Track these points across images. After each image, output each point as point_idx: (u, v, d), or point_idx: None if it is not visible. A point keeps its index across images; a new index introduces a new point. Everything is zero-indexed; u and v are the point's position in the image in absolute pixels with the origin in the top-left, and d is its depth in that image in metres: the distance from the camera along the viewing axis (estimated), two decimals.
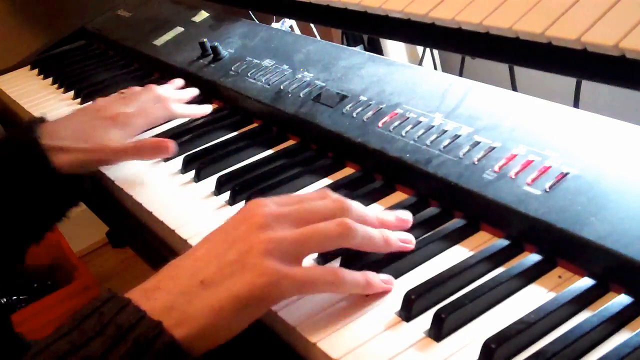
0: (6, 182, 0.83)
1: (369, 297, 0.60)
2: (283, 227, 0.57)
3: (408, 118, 0.77)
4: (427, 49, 1.27)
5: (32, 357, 0.51)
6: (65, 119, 0.90)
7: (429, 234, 0.66)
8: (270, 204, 0.59)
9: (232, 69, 1.01)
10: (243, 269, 0.54)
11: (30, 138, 0.84)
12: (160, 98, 0.95)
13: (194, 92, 1.01)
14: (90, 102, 1.00)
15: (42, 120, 0.89)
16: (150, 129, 0.95)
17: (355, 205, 0.61)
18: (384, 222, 0.63)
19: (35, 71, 1.30)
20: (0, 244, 0.84)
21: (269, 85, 0.94)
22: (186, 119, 0.97)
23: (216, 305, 0.53)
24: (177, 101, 0.97)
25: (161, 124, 0.97)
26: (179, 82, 1.04)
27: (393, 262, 0.62)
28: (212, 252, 0.56)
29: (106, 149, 0.85)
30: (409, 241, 0.63)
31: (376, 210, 0.66)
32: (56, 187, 0.84)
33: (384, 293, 0.59)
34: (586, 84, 0.92)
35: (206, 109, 0.98)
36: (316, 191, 0.64)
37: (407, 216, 0.65)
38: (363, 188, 0.74)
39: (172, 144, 0.85)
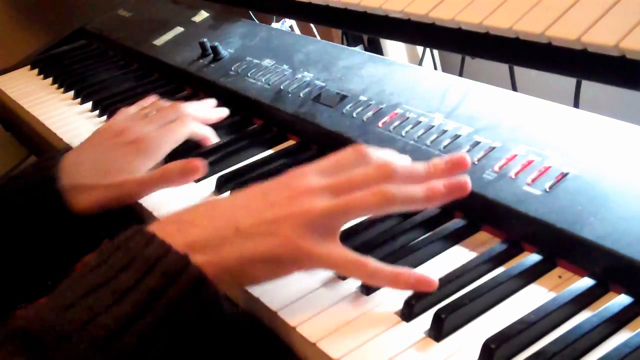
0: (18, 223, 0.76)
1: (369, 296, 0.60)
2: (322, 198, 0.58)
3: (408, 118, 0.77)
4: (427, 49, 1.27)
5: (65, 289, 0.52)
6: (85, 150, 0.82)
7: (429, 234, 0.66)
8: (312, 176, 0.60)
9: (232, 69, 1.01)
10: (277, 231, 0.56)
11: (49, 176, 0.76)
12: (185, 117, 0.86)
13: (223, 112, 0.92)
14: (109, 120, 0.88)
15: (66, 149, 0.82)
16: None
17: (400, 168, 0.60)
18: (433, 174, 0.61)
19: (35, 71, 1.30)
20: (15, 283, 0.77)
21: (269, 85, 0.94)
22: None
23: (246, 255, 0.56)
24: (200, 120, 0.88)
25: None
26: (212, 102, 0.94)
27: (393, 262, 0.61)
28: (252, 205, 0.59)
29: (130, 182, 0.77)
30: (460, 186, 0.59)
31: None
32: (74, 231, 0.76)
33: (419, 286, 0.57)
34: (586, 84, 0.92)
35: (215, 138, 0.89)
36: (354, 150, 0.62)
37: (459, 159, 0.61)
38: None
39: (201, 163, 0.76)
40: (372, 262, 0.57)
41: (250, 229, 0.57)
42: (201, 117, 0.89)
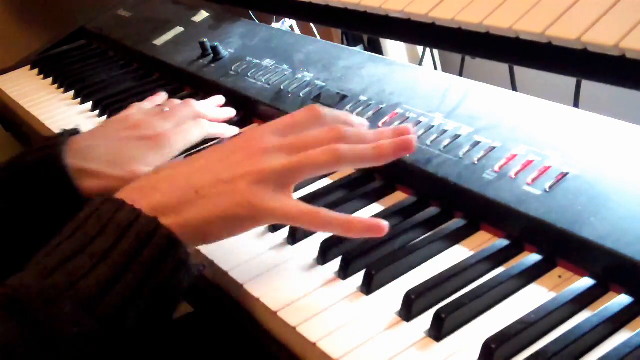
0: (22, 201, 0.75)
1: (369, 297, 0.60)
2: (276, 157, 0.61)
3: (408, 118, 0.77)
4: (427, 49, 1.27)
5: (44, 257, 0.55)
6: (97, 135, 0.82)
7: (429, 234, 0.66)
8: (266, 135, 0.63)
9: (232, 69, 1.01)
10: (233, 190, 0.59)
11: (54, 154, 0.76)
12: (198, 115, 0.88)
13: (230, 112, 0.93)
14: (123, 112, 0.88)
15: (73, 132, 0.81)
16: None
17: (351, 132, 0.64)
18: (380, 138, 0.64)
19: (35, 71, 1.30)
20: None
21: (269, 85, 0.94)
22: None
23: (206, 215, 0.59)
24: (213, 120, 0.90)
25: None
26: (220, 99, 0.95)
27: (393, 262, 0.62)
28: (210, 167, 0.62)
29: None
30: (405, 143, 0.63)
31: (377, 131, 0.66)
32: (75, 208, 0.75)
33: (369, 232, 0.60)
34: (586, 84, 0.92)
35: (232, 129, 0.90)
36: (308, 110, 0.66)
37: (404, 129, 0.65)
38: (363, 188, 0.74)
39: None
40: (324, 211, 0.60)
41: (209, 190, 0.60)
42: (212, 117, 0.90)
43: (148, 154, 0.80)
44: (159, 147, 0.81)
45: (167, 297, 0.57)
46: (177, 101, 0.91)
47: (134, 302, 0.54)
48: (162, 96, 0.96)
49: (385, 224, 0.59)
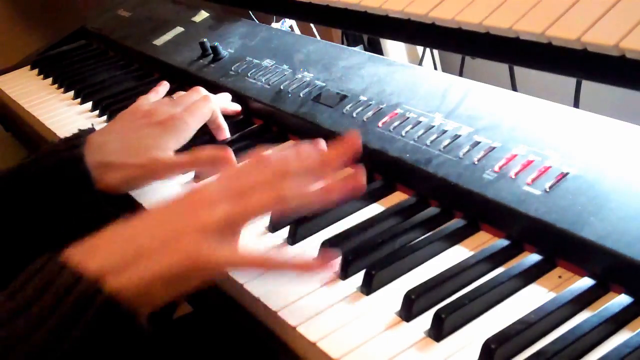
0: (45, 199, 0.77)
1: (369, 297, 0.60)
2: (219, 207, 0.59)
3: (408, 118, 0.77)
4: (427, 49, 1.27)
5: None
6: (112, 129, 0.83)
7: (429, 234, 0.66)
8: (211, 186, 0.62)
9: (232, 69, 1.01)
10: (176, 247, 0.57)
11: (75, 153, 0.77)
12: (205, 96, 0.88)
13: (237, 107, 0.95)
14: (132, 105, 0.88)
15: (90, 130, 0.83)
16: None
17: (296, 168, 0.62)
18: (329, 163, 0.64)
19: (35, 71, 1.30)
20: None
21: (269, 85, 0.94)
22: None
23: (148, 275, 0.56)
24: (220, 102, 0.91)
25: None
26: (227, 95, 0.96)
27: (393, 262, 0.62)
28: (153, 221, 0.60)
29: (159, 163, 0.78)
30: (355, 186, 0.62)
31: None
32: (98, 209, 0.77)
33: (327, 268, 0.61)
34: (586, 84, 0.92)
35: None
36: (253, 157, 0.64)
37: (350, 141, 0.64)
38: None
39: (230, 152, 0.76)
40: (273, 254, 0.64)
41: (149, 248, 0.57)
42: (220, 105, 0.91)
43: (164, 138, 0.80)
44: (174, 129, 0.81)
45: (112, 356, 0.55)
46: (183, 93, 0.92)
47: None
48: (164, 86, 0.96)
49: (336, 260, 0.61)
